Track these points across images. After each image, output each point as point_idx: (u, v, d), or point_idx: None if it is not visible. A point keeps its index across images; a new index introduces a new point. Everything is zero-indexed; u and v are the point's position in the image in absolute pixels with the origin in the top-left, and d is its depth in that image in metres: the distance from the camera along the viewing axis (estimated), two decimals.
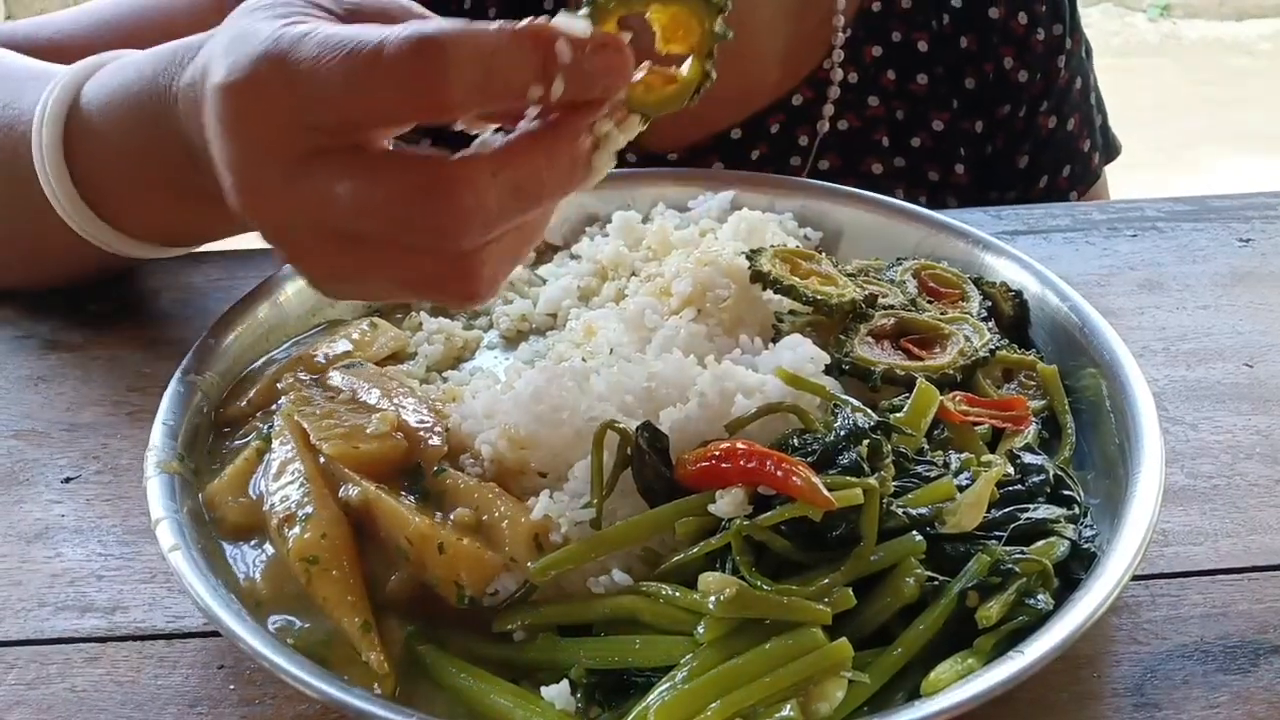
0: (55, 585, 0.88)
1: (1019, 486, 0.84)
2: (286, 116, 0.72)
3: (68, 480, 0.97)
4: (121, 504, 0.94)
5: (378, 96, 0.69)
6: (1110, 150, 1.54)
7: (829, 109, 1.40)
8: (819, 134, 1.40)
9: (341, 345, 1.00)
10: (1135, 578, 0.79)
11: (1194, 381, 1.06)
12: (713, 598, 0.73)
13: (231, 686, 0.80)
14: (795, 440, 0.82)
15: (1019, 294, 1.04)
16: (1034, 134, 1.46)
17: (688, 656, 0.73)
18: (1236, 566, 0.88)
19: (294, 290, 1.04)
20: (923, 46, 1.42)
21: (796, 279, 0.97)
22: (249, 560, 0.82)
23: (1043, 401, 0.96)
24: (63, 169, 0.98)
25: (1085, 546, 0.81)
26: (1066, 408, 0.95)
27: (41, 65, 1.09)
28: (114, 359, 1.10)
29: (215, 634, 0.82)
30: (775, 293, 0.97)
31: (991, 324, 1.00)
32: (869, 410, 0.85)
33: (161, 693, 0.80)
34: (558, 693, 0.74)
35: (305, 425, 0.88)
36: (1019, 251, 1.08)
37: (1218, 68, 5.79)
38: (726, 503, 0.77)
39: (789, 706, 0.70)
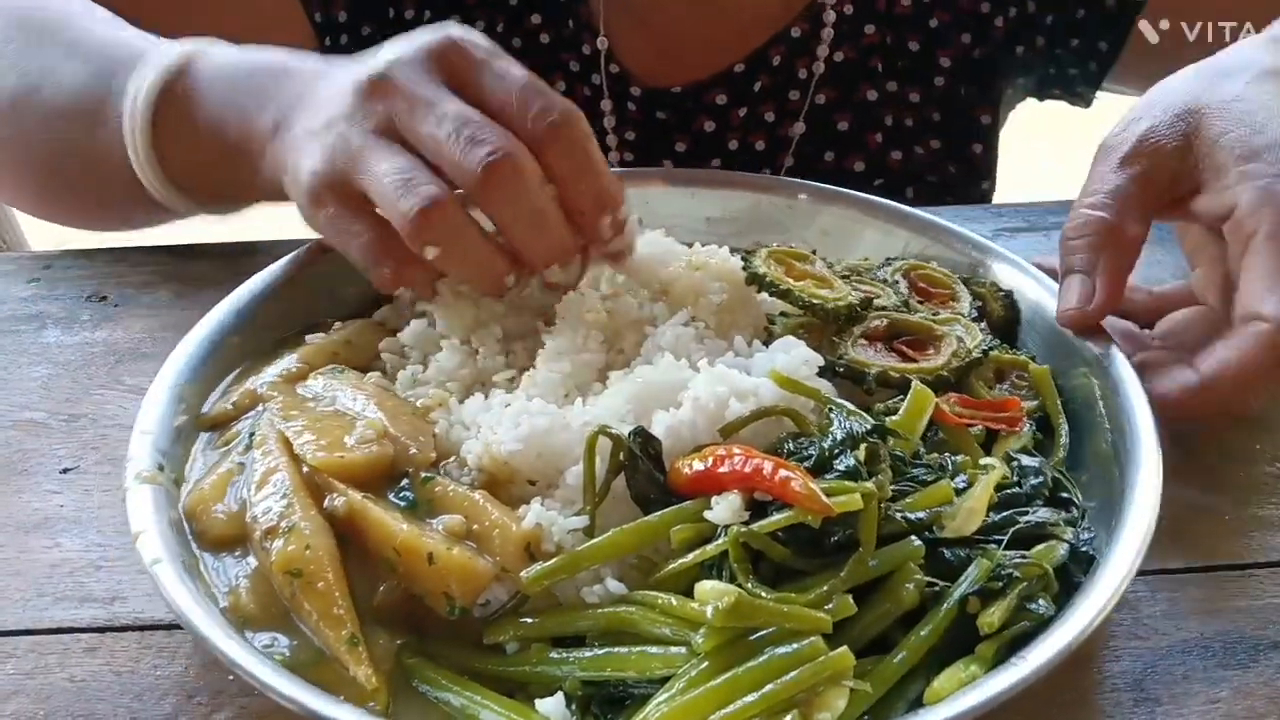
0: (54, 575, 0.88)
1: (1017, 489, 0.83)
2: None
3: (66, 471, 0.97)
4: (120, 494, 0.93)
5: None
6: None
7: (824, 48, 1.43)
8: (815, 75, 1.44)
9: (325, 350, 0.97)
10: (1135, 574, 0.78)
11: None
12: (710, 607, 0.71)
13: (230, 677, 0.79)
14: (790, 444, 0.81)
15: (1009, 294, 1.03)
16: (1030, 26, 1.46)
17: (685, 667, 0.72)
18: (1236, 563, 0.88)
19: (278, 294, 1.02)
20: None
21: (792, 281, 0.96)
22: (232, 574, 0.80)
23: (1034, 402, 0.95)
24: (151, 151, 1.10)
25: (1084, 549, 0.80)
26: (1059, 408, 0.94)
27: (125, 37, 1.17)
28: (113, 350, 1.11)
29: None
30: (771, 296, 0.95)
31: (983, 324, 1.00)
32: (864, 414, 0.84)
33: (160, 683, 0.80)
34: (552, 706, 0.73)
35: (288, 434, 0.86)
36: (1010, 251, 1.07)
37: None
38: (722, 509, 0.76)
39: (790, 717, 0.69)
